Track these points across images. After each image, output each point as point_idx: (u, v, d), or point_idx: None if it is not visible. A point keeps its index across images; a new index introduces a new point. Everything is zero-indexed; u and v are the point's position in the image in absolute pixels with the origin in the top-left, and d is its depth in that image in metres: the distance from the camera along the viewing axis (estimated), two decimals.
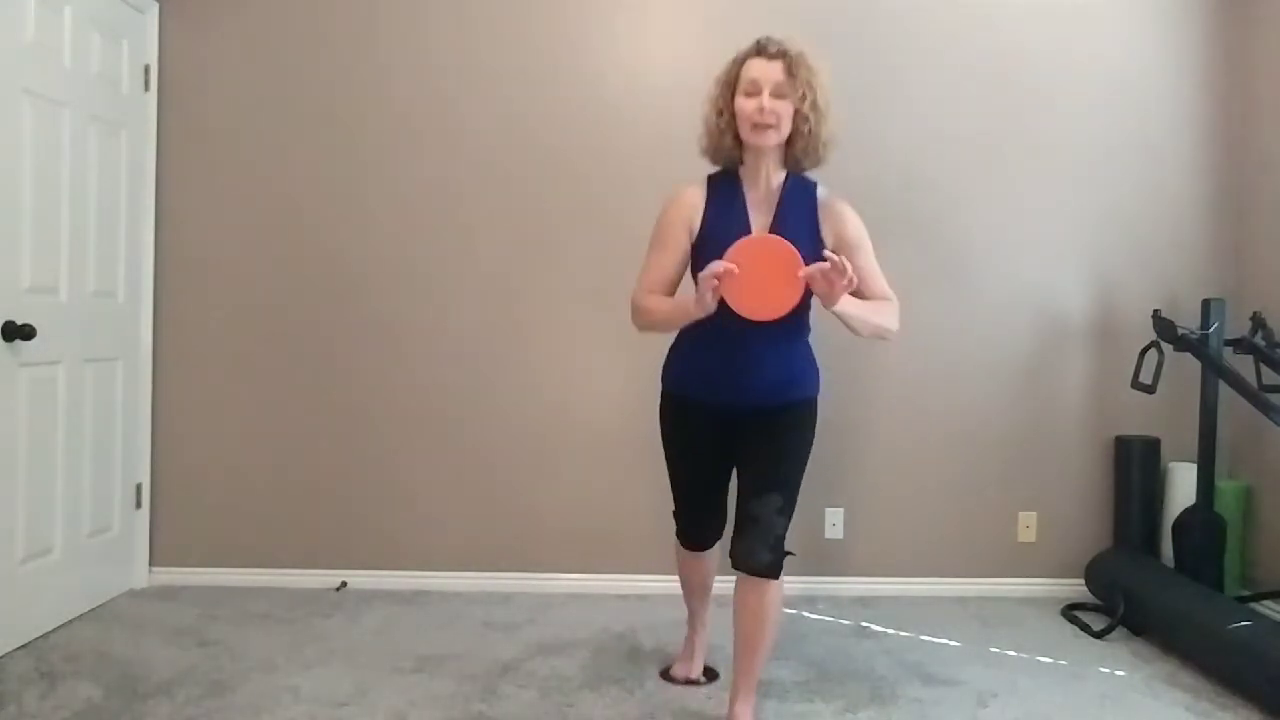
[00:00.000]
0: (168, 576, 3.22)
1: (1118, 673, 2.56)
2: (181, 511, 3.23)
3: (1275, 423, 2.69)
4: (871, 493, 3.25)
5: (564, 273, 3.23)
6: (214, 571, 3.22)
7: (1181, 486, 3.13)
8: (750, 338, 2.01)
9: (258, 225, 3.23)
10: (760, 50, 2.01)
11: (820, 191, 2.10)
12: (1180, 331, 3.00)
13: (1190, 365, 3.08)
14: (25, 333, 2.54)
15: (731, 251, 1.85)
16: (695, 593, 2.44)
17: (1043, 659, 2.66)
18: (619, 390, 3.19)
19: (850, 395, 3.20)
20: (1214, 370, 2.94)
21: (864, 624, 2.94)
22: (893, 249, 3.21)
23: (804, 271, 1.84)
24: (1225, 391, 2.97)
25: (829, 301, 1.86)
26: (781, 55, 1.98)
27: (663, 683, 2.43)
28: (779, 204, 2.07)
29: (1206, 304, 3.01)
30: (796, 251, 1.85)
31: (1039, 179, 3.26)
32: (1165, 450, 3.21)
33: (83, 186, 2.85)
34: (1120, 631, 2.84)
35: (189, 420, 3.23)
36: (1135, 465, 3.17)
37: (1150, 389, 2.98)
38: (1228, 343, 2.99)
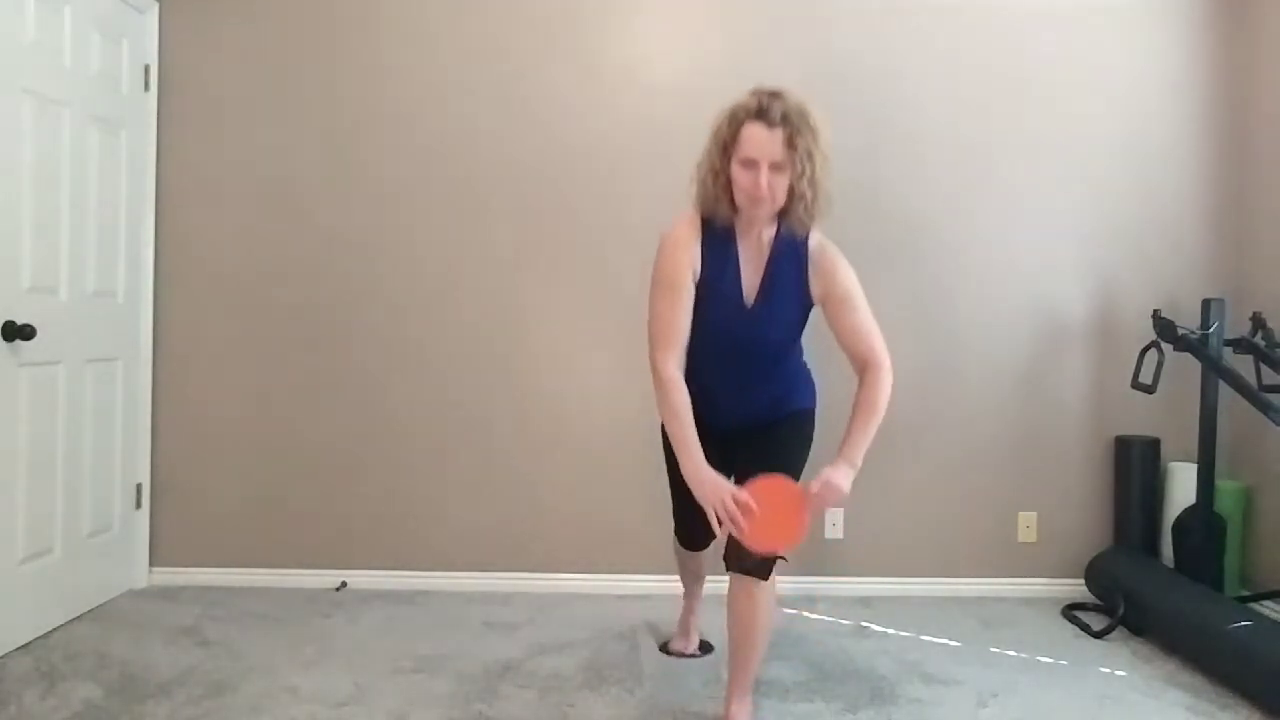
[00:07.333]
0: (168, 576, 3.22)
1: (1118, 673, 2.56)
2: (181, 511, 3.23)
3: (1275, 423, 2.69)
4: (871, 493, 3.24)
5: (566, 274, 3.23)
6: (214, 571, 3.21)
7: (1181, 486, 3.13)
8: (748, 362, 2.12)
9: (258, 225, 3.23)
10: (760, 114, 1.90)
11: (811, 242, 2.06)
12: (1180, 331, 3.00)
13: (1190, 365, 3.08)
14: (25, 333, 2.54)
15: (747, 491, 1.90)
16: (690, 576, 2.66)
17: (1043, 659, 2.65)
18: (619, 391, 3.18)
19: (850, 395, 3.20)
20: (1214, 370, 2.94)
21: (864, 624, 2.94)
22: (893, 251, 3.23)
23: (808, 512, 1.92)
24: (1225, 391, 2.97)
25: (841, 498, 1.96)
26: (782, 123, 1.89)
27: (662, 682, 2.43)
28: (769, 260, 2.05)
29: (1206, 304, 3.02)
30: (803, 492, 1.92)
31: (1039, 180, 3.26)
32: (1165, 450, 3.21)
33: (83, 186, 2.85)
34: (1120, 631, 2.84)
35: (189, 420, 3.23)
36: (1135, 465, 3.17)
37: (1150, 389, 2.98)
38: (1228, 343, 2.99)
